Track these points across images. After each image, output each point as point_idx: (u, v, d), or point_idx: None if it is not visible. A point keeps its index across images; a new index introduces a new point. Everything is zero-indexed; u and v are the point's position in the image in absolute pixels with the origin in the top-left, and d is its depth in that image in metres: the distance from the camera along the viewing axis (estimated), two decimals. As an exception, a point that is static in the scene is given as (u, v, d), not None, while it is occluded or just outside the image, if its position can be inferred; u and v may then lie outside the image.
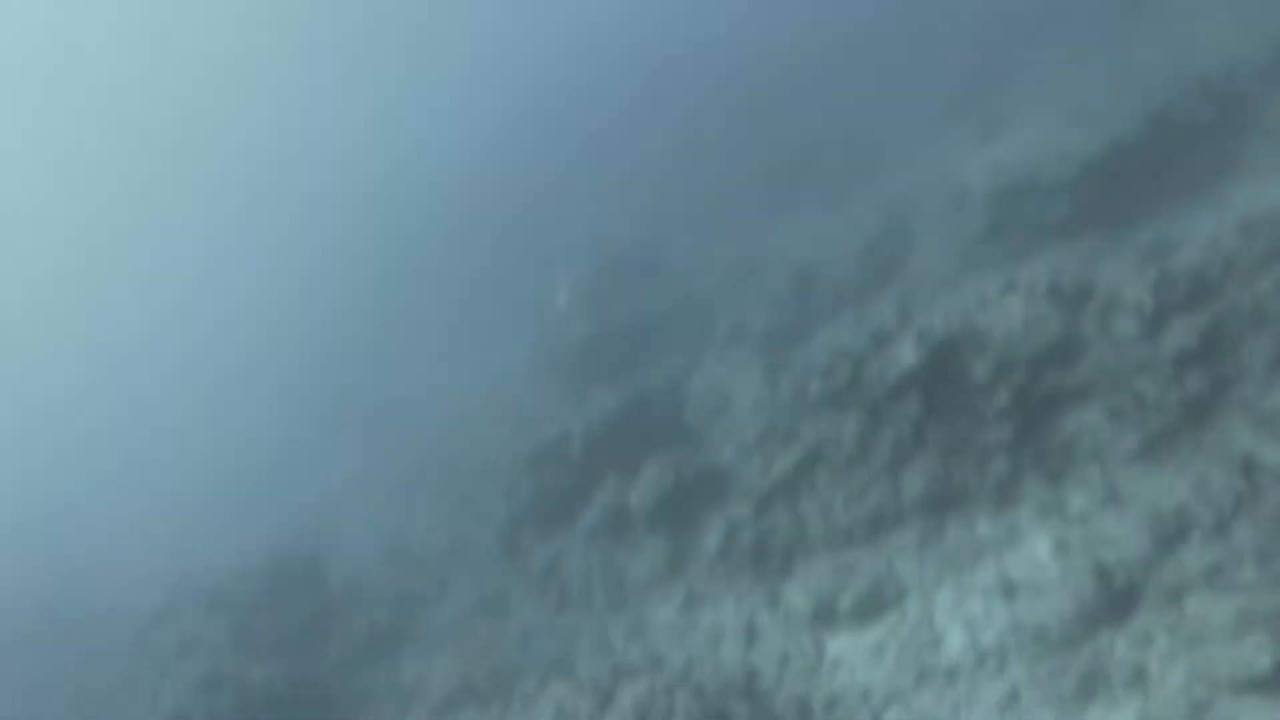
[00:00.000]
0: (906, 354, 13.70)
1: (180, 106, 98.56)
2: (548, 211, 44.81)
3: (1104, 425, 12.07)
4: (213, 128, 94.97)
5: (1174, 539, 9.55)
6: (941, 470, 13.19)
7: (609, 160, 44.87)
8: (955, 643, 10.81)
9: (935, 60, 33.27)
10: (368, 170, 71.64)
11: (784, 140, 35.64)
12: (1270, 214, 11.52)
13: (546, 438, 20.63)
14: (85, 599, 30.42)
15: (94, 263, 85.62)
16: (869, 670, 11.41)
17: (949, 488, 13.04)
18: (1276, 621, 7.72)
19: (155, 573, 28.34)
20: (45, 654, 26.50)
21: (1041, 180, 17.76)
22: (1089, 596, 9.53)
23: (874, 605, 12.40)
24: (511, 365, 33.80)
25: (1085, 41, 26.28)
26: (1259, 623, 7.82)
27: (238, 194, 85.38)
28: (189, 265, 77.31)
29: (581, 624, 16.52)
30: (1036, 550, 11.36)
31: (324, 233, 67.78)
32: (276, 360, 55.47)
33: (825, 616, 12.72)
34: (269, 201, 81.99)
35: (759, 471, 15.78)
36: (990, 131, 24.01)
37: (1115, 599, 9.43)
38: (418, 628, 20.07)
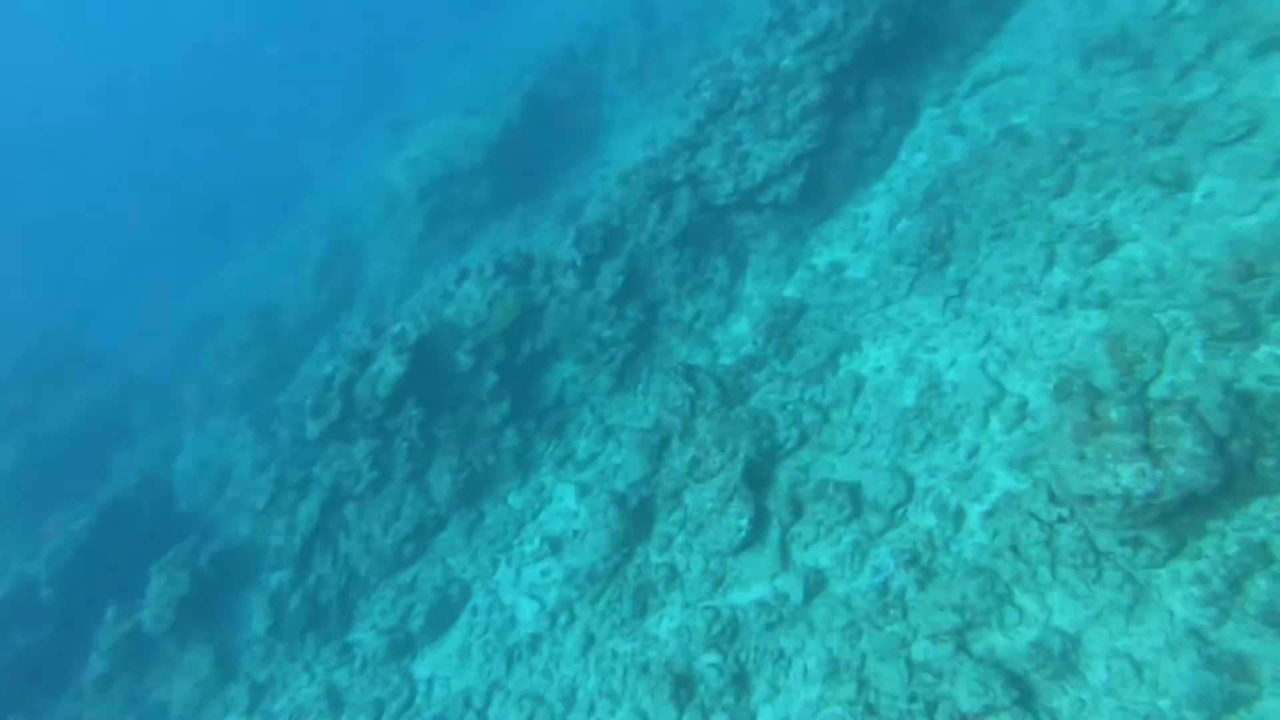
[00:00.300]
0: (391, 365, 13.66)
1: None
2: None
3: (581, 372, 13.58)
4: None
5: (660, 450, 11.22)
6: (462, 462, 13.61)
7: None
8: (527, 614, 11.43)
9: (331, 75, 33.04)
10: None
11: (200, 181, 32.39)
12: (636, 165, 13.84)
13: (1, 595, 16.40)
14: None
15: None
16: (462, 676, 11.49)
17: (474, 475, 13.53)
18: (744, 488, 9.64)
19: None
20: None
21: (459, 169, 18.94)
22: (616, 525, 10.76)
23: (445, 613, 12.45)
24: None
25: (453, 36, 28.43)
26: (732, 494, 9.68)
27: None
28: None
29: (128, 793, 13.81)
30: (565, 502, 12.49)
31: None
32: None
33: (403, 644, 12.41)
34: None
35: (285, 531, 14.61)
36: (399, 133, 24.78)
37: (636, 518, 10.80)
38: None
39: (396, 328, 14.29)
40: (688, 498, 10.46)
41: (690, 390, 11.05)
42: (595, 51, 21.70)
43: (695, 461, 10.43)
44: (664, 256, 13.48)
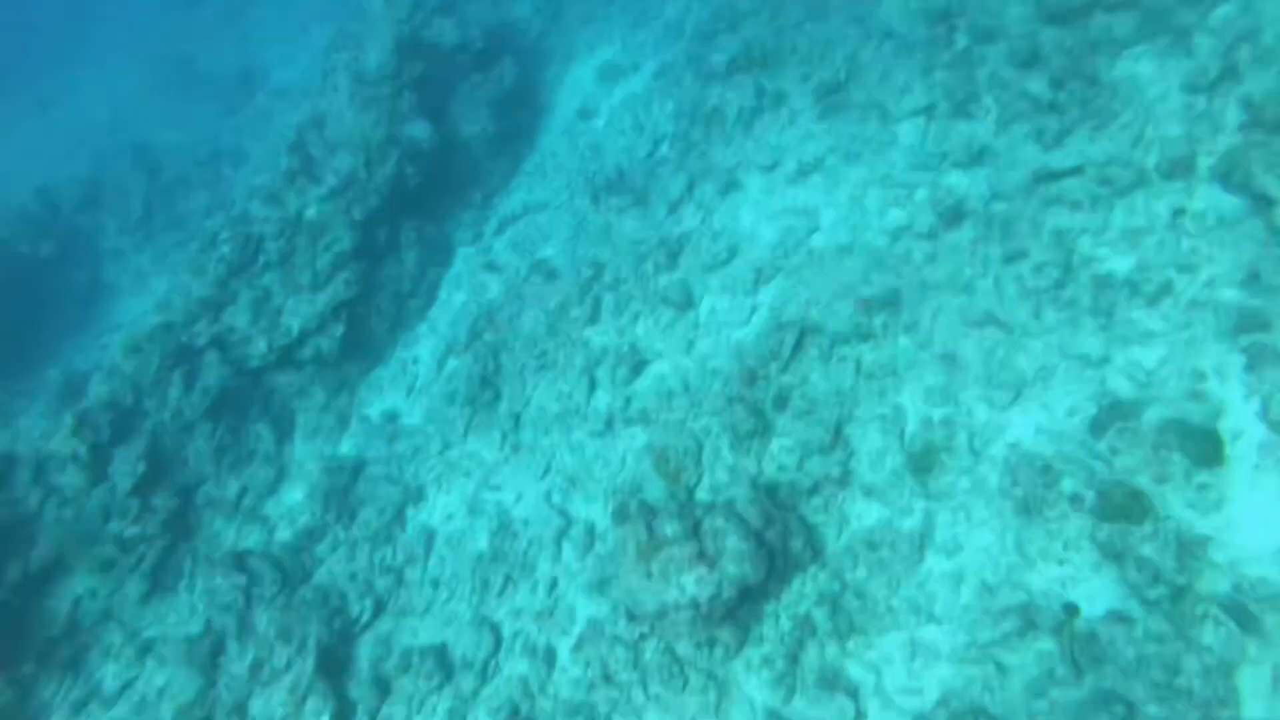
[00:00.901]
0: None
1: None
2: None
3: (100, 584, 11.21)
4: None
5: (214, 658, 9.58)
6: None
7: None
8: None
9: None
10: None
11: None
12: (148, 331, 12.09)
13: None
14: None
15: None
16: None
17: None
18: (319, 681, 8.56)
19: None
20: None
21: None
22: (167, 766, 8.86)
23: None
24: None
25: None
26: (306, 692, 8.54)
27: None
28: None
29: None
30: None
31: None
32: None
33: None
34: None
35: None
36: None
37: (191, 750, 9.01)
38: None
39: None
40: (254, 708, 9.00)
41: (242, 580, 9.68)
42: (87, 202, 19.01)
43: (258, 663, 9.08)
44: (195, 431, 11.89)
